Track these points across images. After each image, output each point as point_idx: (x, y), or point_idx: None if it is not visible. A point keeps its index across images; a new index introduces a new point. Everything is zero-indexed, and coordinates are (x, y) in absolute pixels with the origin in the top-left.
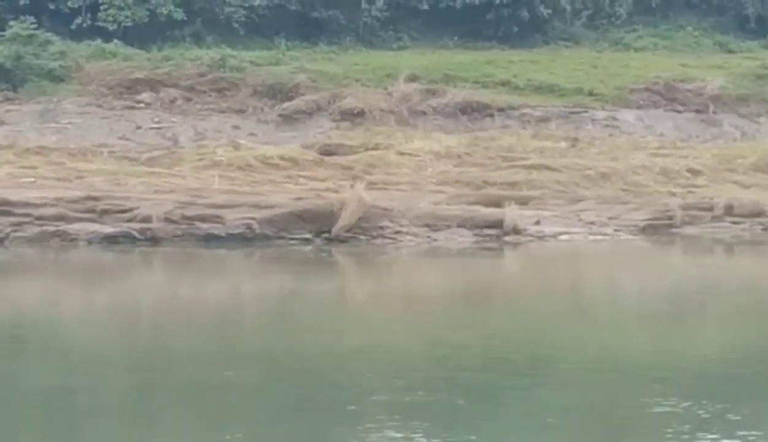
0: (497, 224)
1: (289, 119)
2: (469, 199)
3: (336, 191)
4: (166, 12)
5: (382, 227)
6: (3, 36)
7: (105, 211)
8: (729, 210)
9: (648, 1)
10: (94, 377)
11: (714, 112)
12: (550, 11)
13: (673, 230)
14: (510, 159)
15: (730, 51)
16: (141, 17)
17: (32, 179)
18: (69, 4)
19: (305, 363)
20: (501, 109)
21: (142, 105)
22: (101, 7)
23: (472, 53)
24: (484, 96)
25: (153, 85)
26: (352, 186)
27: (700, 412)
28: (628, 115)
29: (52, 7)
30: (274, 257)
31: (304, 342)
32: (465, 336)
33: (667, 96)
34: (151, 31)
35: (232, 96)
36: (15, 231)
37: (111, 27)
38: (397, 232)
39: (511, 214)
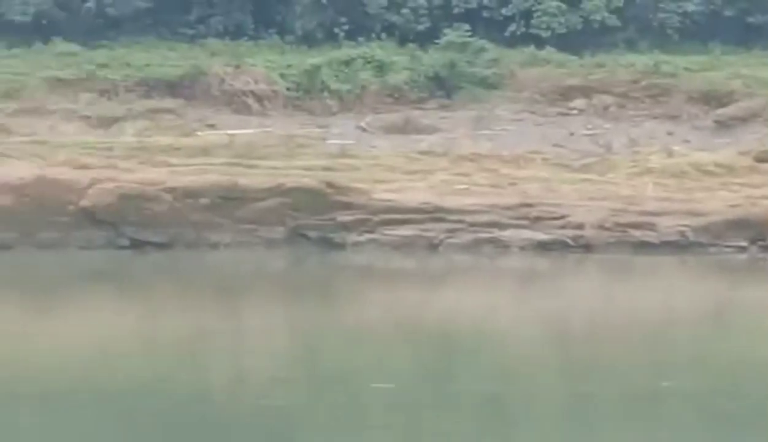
0: None
1: (723, 125)
2: None
3: None
4: (599, 18)
5: None
6: (438, 44)
7: (538, 218)
8: None
9: None
10: (526, 384)
11: None
12: None
13: None
14: None
15: None
16: (574, 24)
17: (465, 186)
18: (503, 11)
19: (741, 372)
20: None
21: (575, 112)
22: (534, 15)
23: None
24: None
25: (586, 91)
26: None
27: None
28: None
29: (486, 15)
30: (708, 265)
31: (740, 351)
32: None
33: None
34: (584, 37)
35: (665, 102)
36: (449, 238)
37: (544, 34)
38: None
39: None
